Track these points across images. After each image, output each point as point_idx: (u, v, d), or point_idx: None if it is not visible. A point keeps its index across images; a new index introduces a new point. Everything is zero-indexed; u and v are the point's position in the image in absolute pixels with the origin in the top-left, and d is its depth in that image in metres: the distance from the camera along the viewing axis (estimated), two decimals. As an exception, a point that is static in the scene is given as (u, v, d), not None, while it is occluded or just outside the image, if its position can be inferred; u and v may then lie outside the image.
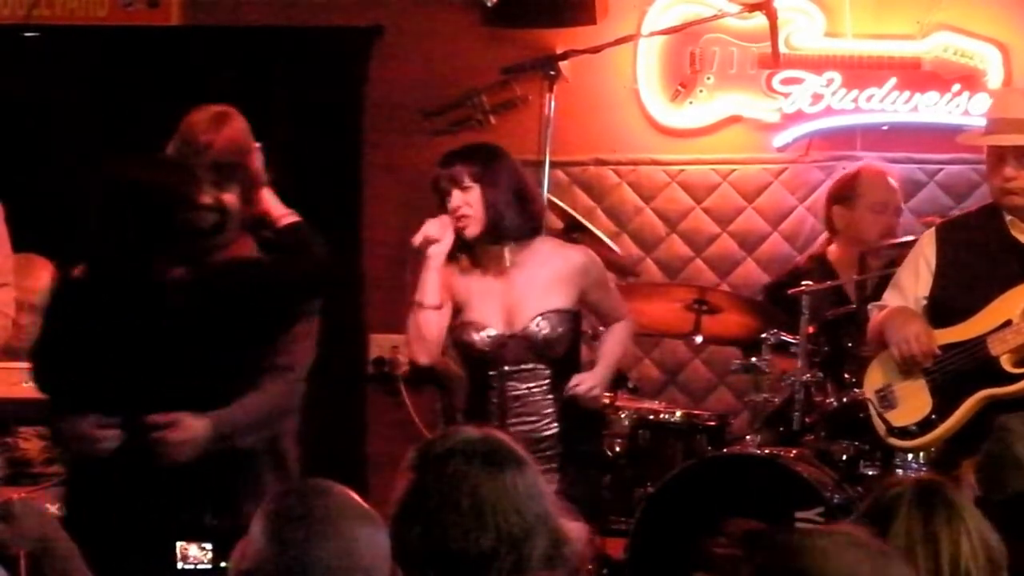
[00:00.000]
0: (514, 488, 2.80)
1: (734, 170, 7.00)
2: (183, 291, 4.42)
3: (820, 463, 5.66)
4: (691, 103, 6.94)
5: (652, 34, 6.75)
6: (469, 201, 5.11)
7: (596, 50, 6.18)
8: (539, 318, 5.13)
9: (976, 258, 5.27)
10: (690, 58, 6.91)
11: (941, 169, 6.89)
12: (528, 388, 5.16)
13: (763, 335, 5.92)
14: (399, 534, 2.79)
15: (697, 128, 6.96)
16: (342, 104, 7.06)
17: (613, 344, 5.37)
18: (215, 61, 6.95)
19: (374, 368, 7.04)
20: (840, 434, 5.78)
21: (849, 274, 6.31)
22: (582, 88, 6.84)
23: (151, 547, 4.18)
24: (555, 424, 5.17)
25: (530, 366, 5.16)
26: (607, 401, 5.79)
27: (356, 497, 2.78)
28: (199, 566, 4.14)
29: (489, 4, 6.86)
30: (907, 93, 6.81)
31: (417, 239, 5.12)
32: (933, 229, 5.44)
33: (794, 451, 5.70)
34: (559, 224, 6.08)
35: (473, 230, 5.13)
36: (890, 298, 5.39)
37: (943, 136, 6.63)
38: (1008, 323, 5.14)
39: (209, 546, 4.14)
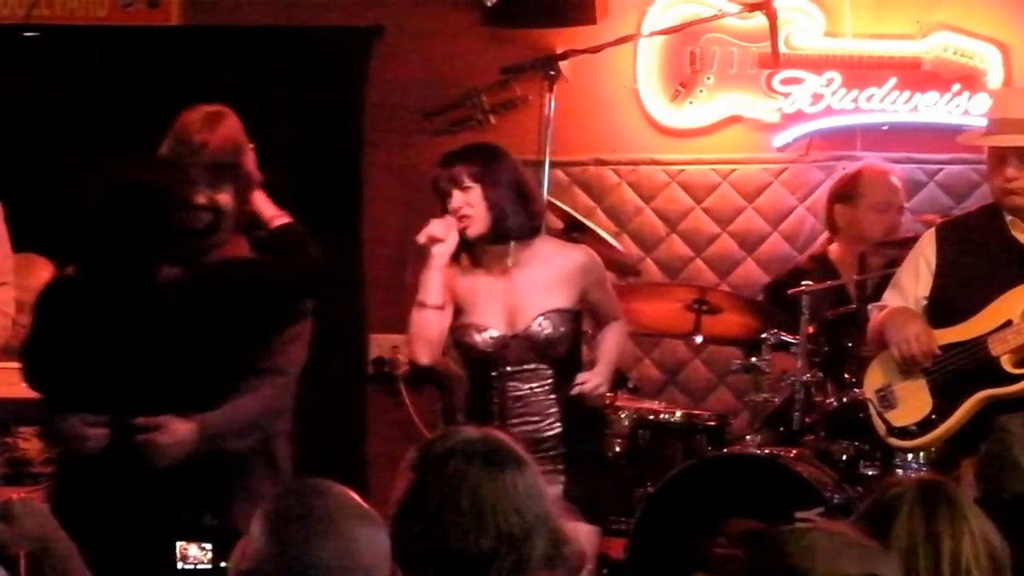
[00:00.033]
0: (514, 488, 2.80)
1: (734, 170, 6.99)
2: (177, 291, 4.42)
3: (820, 463, 5.66)
4: (691, 103, 6.93)
5: (652, 34, 6.74)
6: (470, 201, 5.10)
7: (596, 50, 6.17)
8: (541, 318, 5.12)
9: (976, 258, 5.27)
10: (690, 58, 6.91)
11: (941, 169, 6.88)
12: (531, 388, 5.16)
13: (763, 335, 5.91)
14: (399, 534, 2.79)
15: (697, 128, 6.96)
16: (342, 104, 7.05)
17: (612, 343, 5.36)
18: (215, 61, 6.94)
19: (374, 368, 7.03)
20: (840, 434, 5.78)
21: (851, 274, 6.31)
22: (582, 88, 6.84)
23: (150, 547, 4.18)
24: (558, 424, 5.17)
25: (532, 366, 5.15)
26: (607, 401, 5.79)
27: (356, 497, 2.78)
28: (199, 566, 4.13)
29: (489, 4, 6.86)
30: (907, 93, 6.81)
31: (421, 237, 5.11)
32: (933, 229, 5.44)
33: (794, 451, 5.70)
34: (559, 224, 6.08)
35: (475, 230, 5.12)
36: (890, 298, 5.39)
37: (943, 136, 6.63)
38: (1008, 323, 5.13)
39: (209, 546, 4.13)
